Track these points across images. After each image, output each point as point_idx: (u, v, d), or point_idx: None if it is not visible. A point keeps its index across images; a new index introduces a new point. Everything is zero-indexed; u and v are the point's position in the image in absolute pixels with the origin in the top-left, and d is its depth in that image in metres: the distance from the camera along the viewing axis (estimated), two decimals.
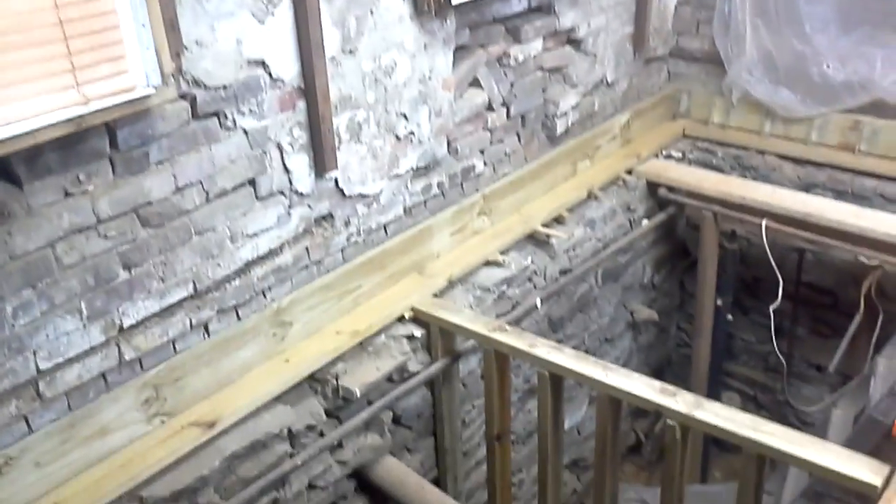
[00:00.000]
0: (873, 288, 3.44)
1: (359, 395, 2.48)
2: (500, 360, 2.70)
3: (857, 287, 3.49)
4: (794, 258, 3.81)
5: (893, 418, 2.05)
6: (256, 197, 2.34)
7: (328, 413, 2.51)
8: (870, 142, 3.61)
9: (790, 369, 4.09)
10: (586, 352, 3.61)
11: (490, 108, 3.12)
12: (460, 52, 2.91)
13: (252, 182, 2.32)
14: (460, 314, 2.74)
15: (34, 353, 1.94)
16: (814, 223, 3.35)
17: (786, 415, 4.16)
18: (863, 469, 2.01)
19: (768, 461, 2.21)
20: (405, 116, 2.74)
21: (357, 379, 2.53)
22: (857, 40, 3.50)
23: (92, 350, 2.06)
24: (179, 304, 2.23)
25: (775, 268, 3.57)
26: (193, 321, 2.28)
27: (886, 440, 2.41)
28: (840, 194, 3.65)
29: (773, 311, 3.66)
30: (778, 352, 3.88)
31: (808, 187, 3.74)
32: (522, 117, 3.30)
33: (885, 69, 3.44)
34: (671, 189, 3.76)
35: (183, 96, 2.08)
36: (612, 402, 2.47)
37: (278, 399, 2.40)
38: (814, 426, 3.79)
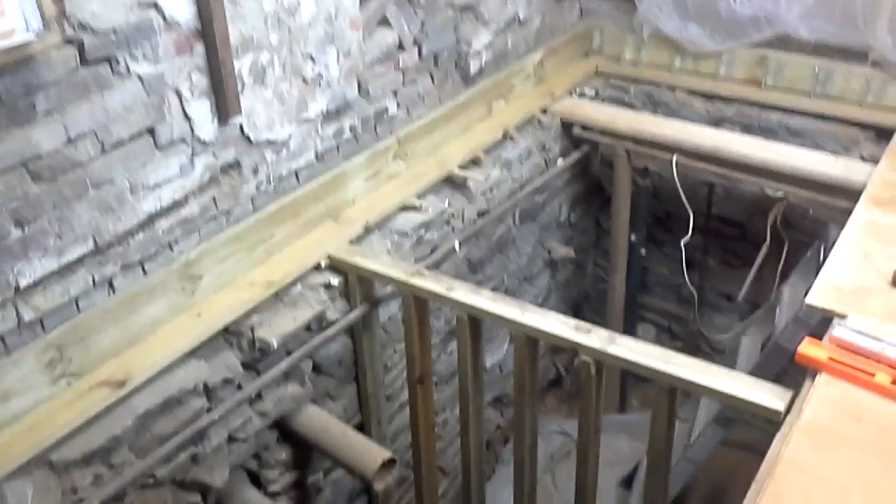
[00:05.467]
0: (779, 219, 3.54)
1: (275, 346, 2.45)
2: (419, 305, 2.70)
3: (764, 218, 3.59)
4: (704, 192, 3.89)
5: (797, 344, 2.13)
6: (156, 146, 2.24)
7: (245, 365, 2.47)
8: (775, 76, 3.68)
9: (702, 300, 4.22)
10: (506, 292, 3.66)
11: (401, 47, 3.04)
12: None
13: (151, 131, 2.21)
14: (378, 260, 2.71)
15: None
16: (722, 157, 3.42)
17: (699, 344, 4.31)
18: (767, 395, 2.09)
19: (679, 392, 2.28)
20: (312, 58, 2.65)
21: (273, 330, 2.48)
22: None
23: None
24: (80, 260, 2.14)
25: (685, 202, 3.65)
26: (96, 278, 2.20)
27: (791, 365, 2.51)
28: (747, 128, 3.73)
29: (685, 245, 3.75)
30: (689, 283, 3.99)
31: (717, 122, 3.80)
32: (435, 57, 3.24)
33: (789, 3, 3.48)
34: (585, 127, 3.77)
35: (69, 41, 1.95)
36: (529, 342, 2.50)
37: (191, 354, 2.34)
38: (725, 353, 3.94)
